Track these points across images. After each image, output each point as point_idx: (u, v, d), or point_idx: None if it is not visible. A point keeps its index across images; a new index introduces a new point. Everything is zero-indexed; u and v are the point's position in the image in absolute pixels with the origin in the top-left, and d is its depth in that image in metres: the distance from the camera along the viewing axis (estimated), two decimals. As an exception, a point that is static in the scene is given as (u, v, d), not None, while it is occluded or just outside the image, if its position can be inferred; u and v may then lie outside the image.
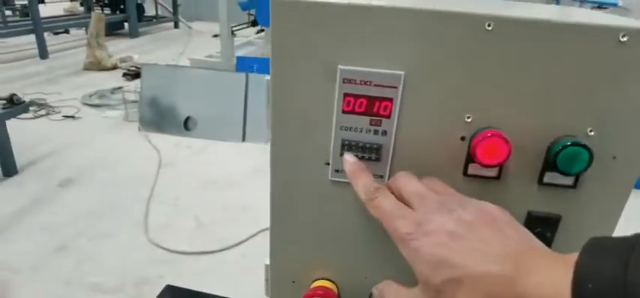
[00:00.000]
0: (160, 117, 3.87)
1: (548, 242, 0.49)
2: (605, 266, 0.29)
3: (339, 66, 0.43)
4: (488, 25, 0.40)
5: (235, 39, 5.46)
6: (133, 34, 8.52)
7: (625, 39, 0.39)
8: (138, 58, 6.24)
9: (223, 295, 1.28)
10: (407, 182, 0.44)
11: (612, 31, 0.39)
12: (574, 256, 0.31)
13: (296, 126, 0.48)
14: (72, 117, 4.20)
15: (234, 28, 5.22)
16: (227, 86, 3.78)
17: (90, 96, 4.73)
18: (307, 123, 0.47)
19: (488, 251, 0.35)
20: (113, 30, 8.30)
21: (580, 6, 5.50)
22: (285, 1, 0.42)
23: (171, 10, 10.05)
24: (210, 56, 5.57)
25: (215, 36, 7.27)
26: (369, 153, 0.47)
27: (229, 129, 3.71)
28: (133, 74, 5.42)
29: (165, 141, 3.68)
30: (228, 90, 3.76)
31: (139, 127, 3.91)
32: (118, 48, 7.22)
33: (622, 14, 3.59)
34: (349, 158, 0.47)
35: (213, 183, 3.06)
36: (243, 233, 2.46)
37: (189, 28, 9.96)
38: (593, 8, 5.18)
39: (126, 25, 8.69)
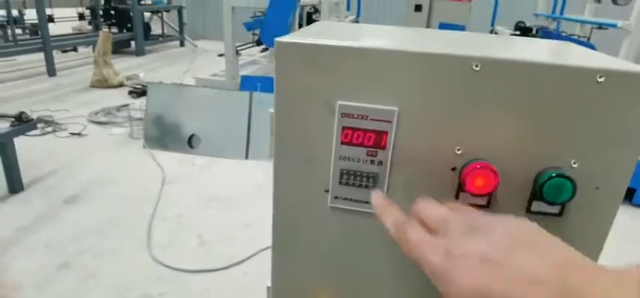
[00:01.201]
0: (164, 135, 3.93)
1: (537, 267, 0.52)
2: None
3: (338, 102, 0.47)
4: (476, 66, 0.43)
5: (240, 58, 5.56)
6: (140, 52, 8.66)
7: (602, 79, 0.42)
8: (144, 76, 6.35)
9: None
10: (426, 207, 0.42)
11: (590, 73, 0.43)
12: (635, 272, 0.30)
13: (297, 156, 0.51)
14: (78, 134, 4.26)
15: (238, 48, 5.32)
16: (231, 104, 3.84)
17: (96, 113, 4.81)
18: (308, 153, 0.50)
19: (527, 274, 0.32)
20: (120, 48, 8.45)
21: (581, 27, 5.56)
22: (289, 42, 0.46)
23: (177, 28, 10.23)
24: (215, 75, 5.66)
25: (220, 55, 7.39)
26: (366, 182, 0.50)
27: (233, 146, 3.76)
28: (139, 92, 5.50)
29: (169, 159, 3.72)
30: (232, 109, 3.81)
31: (143, 145, 3.96)
32: (125, 66, 7.34)
33: (621, 35, 3.64)
34: (377, 195, 0.47)
35: (216, 201, 3.09)
36: (246, 251, 2.48)
37: (195, 46, 10.12)
38: (593, 28, 5.23)
39: (133, 43, 8.85)
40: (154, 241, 2.61)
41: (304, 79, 0.47)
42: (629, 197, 3.83)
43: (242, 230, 2.72)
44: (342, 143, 0.48)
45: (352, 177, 0.50)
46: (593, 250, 0.50)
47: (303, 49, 0.45)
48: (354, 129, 0.47)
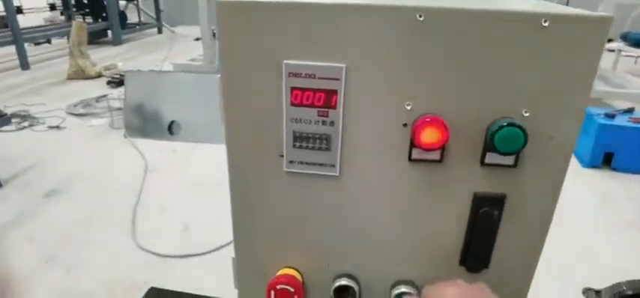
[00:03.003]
0: (144, 123, 3.86)
1: (496, 220, 0.52)
2: None
3: (284, 61, 0.45)
4: (420, 16, 0.42)
5: (217, 41, 5.44)
6: (116, 41, 8.43)
7: (547, 24, 0.42)
8: (122, 66, 6.19)
9: (209, 295, 1.30)
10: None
11: (535, 17, 0.42)
12: None
13: (249, 122, 0.50)
14: (57, 127, 4.16)
15: (215, 31, 5.21)
16: (210, 88, 3.78)
17: (75, 105, 4.69)
18: (259, 118, 0.49)
19: None
20: (96, 38, 8.20)
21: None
22: (230, 2, 0.44)
23: (154, 15, 9.97)
24: (193, 60, 5.55)
25: (197, 39, 7.24)
26: (320, 144, 0.49)
27: (213, 131, 3.71)
28: (118, 81, 5.37)
29: (151, 147, 3.66)
30: (211, 93, 3.74)
31: (124, 134, 3.89)
32: (102, 56, 7.14)
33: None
34: None
35: (199, 186, 3.06)
36: (231, 235, 2.47)
37: (173, 32, 9.88)
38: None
39: (109, 33, 8.60)
40: (138, 230, 2.59)
41: (248, 40, 0.45)
42: (607, 161, 3.91)
43: (226, 215, 2.71)
44: (292, 104, 0.47)
45: (306, 140, 0.49)
46: (548, 200, 0.51)
47: (245, 8, 0.44)
48: (303, 90, 0.46)
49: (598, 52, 0.42)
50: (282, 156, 0.51)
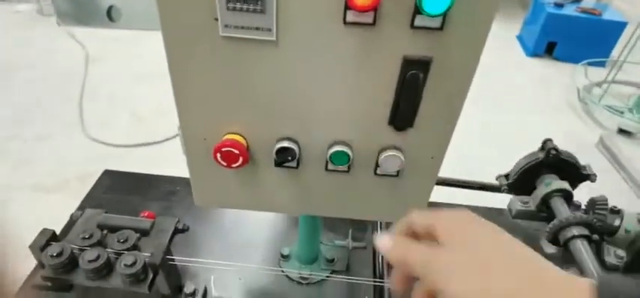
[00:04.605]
0: (79, 9, 3.49)
1: (421, 83, 0.56)
2: None
3: None
4: None
5: None
6: None
7: None
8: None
9: (164, 174, 1.34)
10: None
11: None
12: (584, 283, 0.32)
13: (179, -18, 0.48)
14: (-27, 13, 3.68)
15: None
16: (151, -32, 3.42)
17: (-9, -13, 4.10)
18: (190, -23, 0.47)
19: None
20: None
21: None
22: None
23: None
24: None
25: None
26: (254, 5, 0.49)
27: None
28: (40, -41, 4.69)
29: (91, 36, 3.38)
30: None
31: (57, 22, 3.53)
32: None
33: None
34: (385, 240, 0.42)
35: (149, 75, 2.93)
36: (186, 124, 2.47)
37: None
38: None
39: None
40: (87, 121, 2.51)
41: None
42: (549, 51, 4.12)
43: (180, 104, 2.67)
44: (223, -39, 0.45)
45: (240, 2, 0.48)
46: (469, 63, 0.55)
47: None
48: (233, -56, 0.44)
49: None
50: (217, 19, 0.50)
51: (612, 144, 2.98)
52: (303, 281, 1.06)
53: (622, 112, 3.24)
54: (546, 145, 1.42)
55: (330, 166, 0.67)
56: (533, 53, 4.12)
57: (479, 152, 2.51)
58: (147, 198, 1.24)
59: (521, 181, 1.41)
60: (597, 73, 3.56)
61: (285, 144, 0.63)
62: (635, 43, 3.22)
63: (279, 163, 0.65)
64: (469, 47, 0.54)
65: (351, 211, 0.75)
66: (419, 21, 0.51)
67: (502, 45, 4.24)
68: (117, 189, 1.27)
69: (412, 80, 0.55)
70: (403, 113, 0.59)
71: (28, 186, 2.09)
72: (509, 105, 3.24)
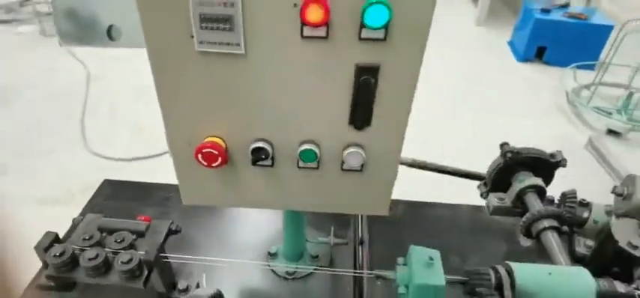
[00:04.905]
0: (80, 29, 3.62)
1: (373, 86, 0.65)
2: None
3: (183, -52, 0.52)
4: None
5: None
6: None
7: None
8: (44, -37, 5.52)
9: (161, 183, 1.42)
10: None
11: None
12: None
13: (160, 6, 0.57)
14: (-21, 36, 3.81)
15: None
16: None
17: (-5, 10, 4.25)
18: (169, 1, 0.56)
19: None
20: None
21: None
22: None
23: None
24: (128, -45, 5.05)
25: None
26: (224, 24, 0.58)
27: (159, 35, 3.57)
28: (42, -18, 4.85)
29: (91, 55, 3.50)
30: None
31: (59, 42, 3.66)
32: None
33: None
34: None
35: (148, 89, 3.04)
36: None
37: None
38: None
39: None
40: (88, 136, 2.60)
41: None
42: (540, 55, 4.22)
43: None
44: (195, -11, 0.54)
45: (211, 21, 0.57)
46: (412, 67, 0.63)
47: None
48: (203, -25, 0.53)
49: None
50: (193, 36, 0.59)
51: (601, 145, 3.05)
52: (289, 277, 1.14)
53: (610, 113, 3.32)
54: (503, 149, 1.51)
55: (301, 163, 0.75)
56: (524, 58, 4.21)
57: (469, 154, 2.58)
58: (144, 203, 1.33)
59: (498, 182, 1.49)
60: (586, 76, 3.64)
61: (260, 144, 0.71)
62: (619, 45, 3.31)
63: (255, 162, 0.73)
64: (410, 54, 0.62)
65: (323, 205, 0.83)
66: (365, 33, 0.60)
67: (493, 51, 4.34)
68: (116, 197, 1.36)
69: (365, 84, 0.64)
70: (360, 113, 0.68)
71: (34, 199, 2.18)
72: (500, 109, 3.32)
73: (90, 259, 0.96)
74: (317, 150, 0.72)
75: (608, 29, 3.86)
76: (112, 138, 2.63)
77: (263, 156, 0.72)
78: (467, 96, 3.47)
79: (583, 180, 1.41)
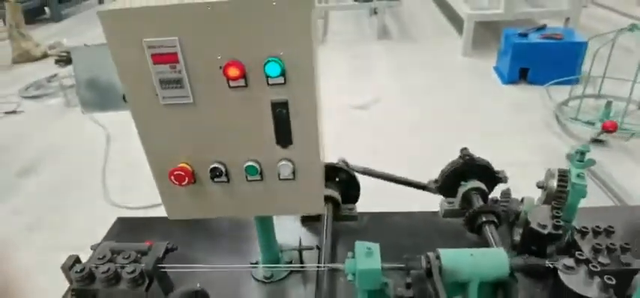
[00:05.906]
0: (100, 97, 4.07)
1: (286, 115, 0.92)
2: None
3: (144, 39, 0.82)
4: (208, 7, 0.79)
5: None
6: (57, 17, 8.14)
7: (275, 4, 0.80)
8: (67, 42, 6.16)
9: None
10: None
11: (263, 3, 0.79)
12: None
13: (136, 78, 0.87)
14: (13, 112, 4.30)
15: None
16: (158, 55, 4.00)
17: (27, 88, 4.79)
18: (140, 74, 0.86)
19: None
20: (34, 17, 7.92)
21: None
22: (111, 11, 0.80)
23: (94, -16, 9.60)
24: (141, 28, 5.61)
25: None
26: (175, 85, 0.87)
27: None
28: (66, 59, 5.41)
29: (110, 119, 3.92)
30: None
31: (81, 111, 4.11)
32: (45, 35, 7.00)
33: None
34: None
35: (160, 146, 3.39)
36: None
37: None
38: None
39: (46, 9, 8.30)
40: (110, 190, 2.94)
41: (126, 29, 0.81)
42: (523, 76, 4.45)
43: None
44: (154, 63, 0.84)
45: (167, 83, 0.86)
46: (309, 101, 0.90)
47: (123, 14, 0.80)
48: (159, 54, 0.83)
49: (305, 18, 0.80)
50: (157, 94, 0.88)
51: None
52: (267, 281, 1.38)
53: (593, 123, 3.48)
54: (462, 152, 1.76)
55: (249, 177, 1.02)
56: (509, 80, 4.45)
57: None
58: (150, 233, 1.61)
59: (448, 184, 1.72)
60: (567, 91, 3.85)
61: (215, 165, 0.99)
62: (594, 59, 3.53)
63: (213, 178, 1.00)
64: (305, 91, 0.90)
65: (271, 209, 1.09)
66: (271, 80, 0.88)
67: (480, 76, 4.60)
68: (127, 229, 1.65)
69: (280, 114, 0.92)
70: (282, 135, 0.95)
71: (66, 247, 2.48)
72: (488, 129, 3.53)
73: (103, 272, 1.23)
74: (257, 166, 0.99)
75: (581, 46, 4.08)
76: (133, 190, 2.95)
77: (218, 174, 0.99)
78: (456, 120, 3.73)
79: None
